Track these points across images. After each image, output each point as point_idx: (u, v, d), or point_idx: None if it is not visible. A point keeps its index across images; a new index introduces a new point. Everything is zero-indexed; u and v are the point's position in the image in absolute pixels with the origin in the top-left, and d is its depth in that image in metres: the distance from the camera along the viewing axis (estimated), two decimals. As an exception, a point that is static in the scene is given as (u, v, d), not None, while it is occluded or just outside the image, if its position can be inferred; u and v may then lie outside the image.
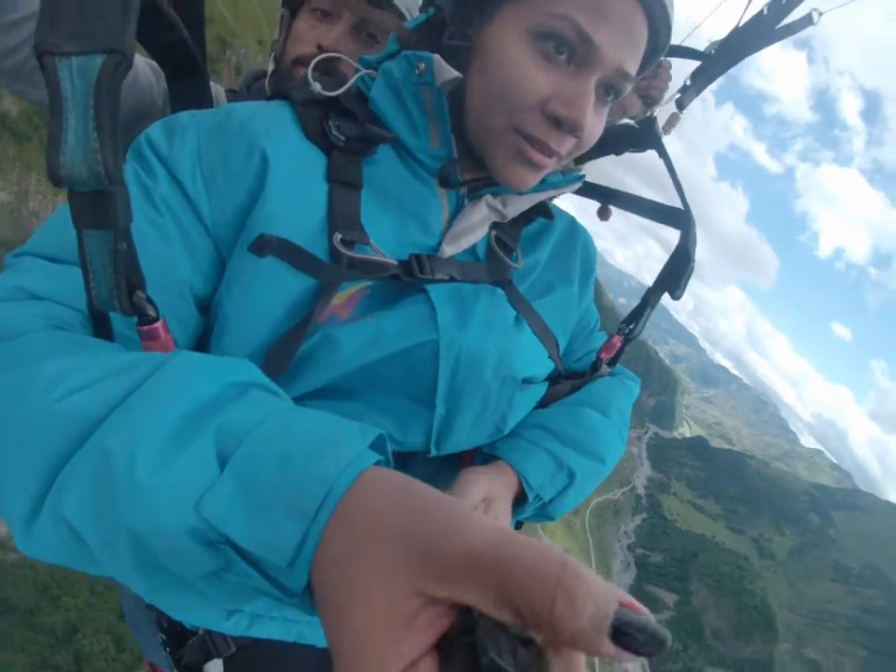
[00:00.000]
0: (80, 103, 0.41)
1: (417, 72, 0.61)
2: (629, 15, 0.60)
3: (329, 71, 0.85)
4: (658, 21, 0.63)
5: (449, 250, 0.68)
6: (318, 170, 0.62)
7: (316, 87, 0.65)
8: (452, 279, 0.67)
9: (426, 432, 0.66)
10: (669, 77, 1.19)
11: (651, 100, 1.22)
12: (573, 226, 0.88)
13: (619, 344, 0.96)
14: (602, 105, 0.65)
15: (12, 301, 0.48)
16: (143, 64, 0.98)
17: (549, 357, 0.78)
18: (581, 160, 0.80)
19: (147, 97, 0.97)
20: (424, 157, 0.66)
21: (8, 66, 0.88)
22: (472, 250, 0.72)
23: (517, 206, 0.74)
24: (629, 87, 0.66)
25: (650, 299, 0.93)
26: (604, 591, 0.27)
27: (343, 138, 0.64)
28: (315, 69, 0.67)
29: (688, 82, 1.08)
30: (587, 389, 0.89)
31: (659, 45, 0.66)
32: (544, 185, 0.73)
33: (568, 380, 0.88)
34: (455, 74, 0.61)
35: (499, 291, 0.72)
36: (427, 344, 0.62)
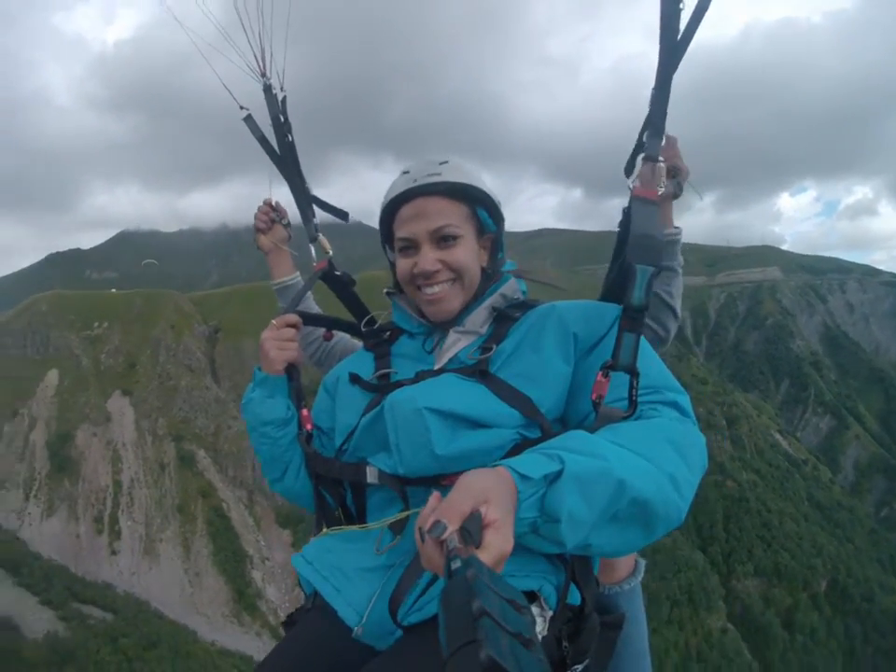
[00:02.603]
0: None
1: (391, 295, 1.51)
2: (419, 211, 1.31)
3: None
4: (445, 188, 1.31)
5: (439, 365, 1.31)
6: (370, 357, 1.47)
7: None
8: (419, 379, 1.29)
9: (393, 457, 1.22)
10: (675, 143, 1.58)
11: (673, 171, 1.56)
12: (546, 313, 1.29)
13: (605, 382, 1.09)
14: (445, 247, 1.31)
15: None
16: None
17: (514, 410, 1.15)
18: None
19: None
20: (416, 332, 1.43)
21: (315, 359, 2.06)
22: (457, 359, 1.30)
23: (472, 324, 1.34)
24: (453, 231, 1.31)
25: (620, 324, 1.15)
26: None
27: (384, 336, 1.49)
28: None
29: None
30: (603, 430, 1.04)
31: (469, 191, 1.33)
32: (476, 304, 1.36)
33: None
34: (394, 291, 1.48)
35: (449, 375, 1.24)
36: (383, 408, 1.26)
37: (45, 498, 74.11)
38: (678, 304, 1.79)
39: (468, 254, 1.32)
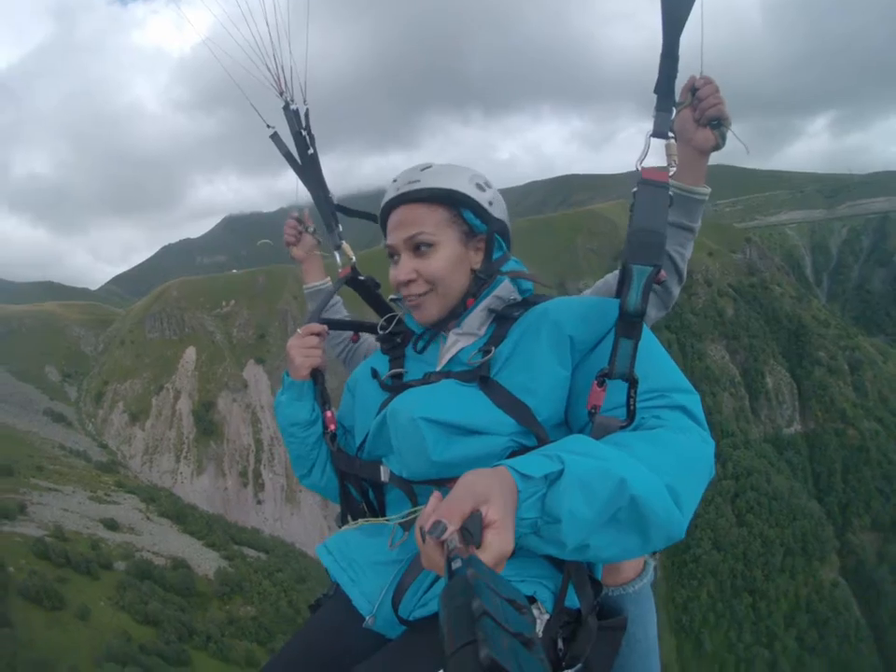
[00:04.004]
0: None
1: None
2: (399, 220, 1.36)
3: None
4: (423, 194, 1.33)
5: (440, 366, 1.34)
6: (385, 359, 1.51)
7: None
8: (426, 380, 1.32)
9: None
10: (716, 89, 1.40)
11: (716, 121, 1.42)
12: (542, 315, 1.25)
13: (600, 392, 1.08)
14: (421, 255, 1.33)
15: None
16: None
17: (509, 418, 1.16)
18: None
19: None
20: (419, 333, 1.44)
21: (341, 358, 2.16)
22: (458, 359, 1.31)
23: (468, 327, 1.34)
24: (426, 238, 1.31)
25: (616, 329, 1.10)
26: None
27: (397, 340, 1.52)
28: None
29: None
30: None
31: (449, 195, 1.33)
32: (472, 307, 1.35)
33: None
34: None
35: (449, 381, 1.27)
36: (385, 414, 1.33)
37: (194, 459, 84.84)
38: (685, 269, 1.67)
39: (446, 261, 1.32)
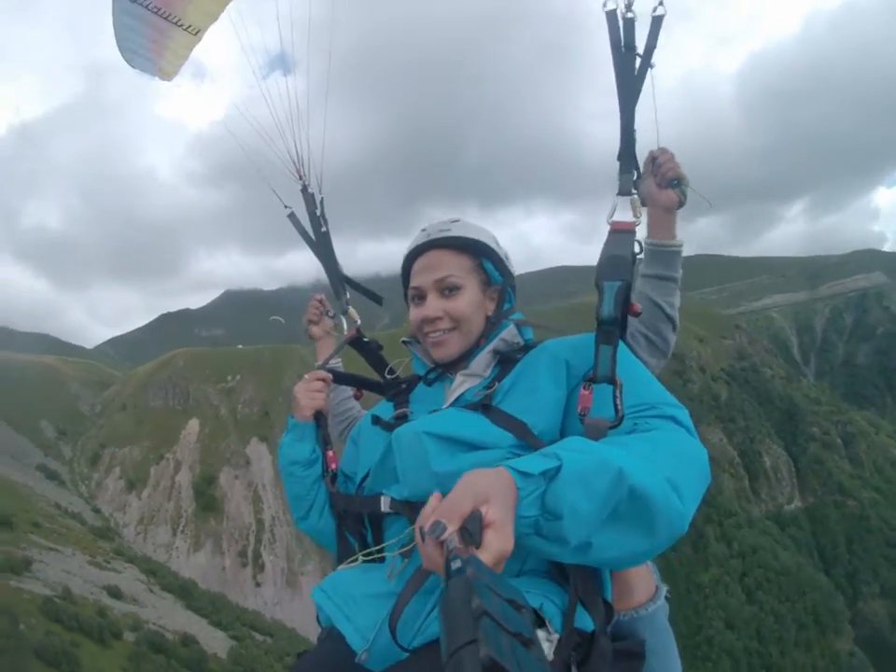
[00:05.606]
0: None
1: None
2: (428, 264, 1.46)
3: None
4: (453, 241, 1.45)
5: (447, 404, 1.39)
6: (390, 405, 1.55)
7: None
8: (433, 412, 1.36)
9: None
10: (672, 156, 1.69)
11: (675, 181, 1.68)
12: (540, 349, 1.38)
13: (588, 395, 1.17)
14: (449, 296, 1.43)
15: None
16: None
17: (507, 432, 1.20)
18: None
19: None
20: (430, 377, 1.51)
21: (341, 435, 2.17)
22: (463, 398, 1.37)
23: (476, 367, 1.42)
24: (455, 281, 1.43)
25: (596, 338, 1.21)
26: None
27: (402, 387, 1.61)
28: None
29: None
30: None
31: (475, 245, 1.46)
32: (480, 349, 1.44)
33: None
34: (410, 340, 1.58)
35: (451, 408, 1.35)
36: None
37: (191, 534, 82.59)
38: (677, 316, 1.78)
39: (469, 304, 1.43)
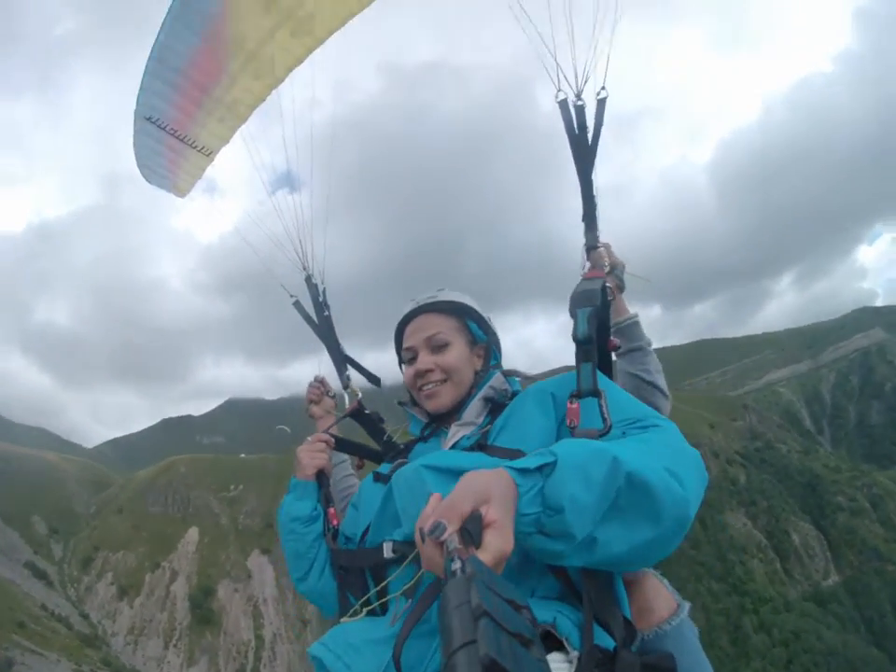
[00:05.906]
0: None
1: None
2: (418, 326, 1.61)
3: None
4: (439, 306, 1.62)
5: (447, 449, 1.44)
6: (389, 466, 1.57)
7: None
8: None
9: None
10: (602, 249, 1.91)
11: (610, 267, 1.89)
12: (525, 393, 1.48)
13: (575, 408, 1.24)
14: (439, 352, 1.55)
15: None
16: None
17: (504, 460, 1.15)
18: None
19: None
20: (426, 433, 1.59)
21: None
22: (459, 445, 1.43)
23: (469, 416, 1.49)
24: (444, 338, 1.55)
25: (576, 357, 1.32)
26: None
27: (401, 448, 1.71)
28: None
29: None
30: None
31: (460, 307, 1.62)
32: (471, 398, 1.53)
33: None
34: (405, 402, 1.70)
35: (449, 450, 1.42)
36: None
37: (185, 648, 77.70)
38: (660, 381, 1.86)
39: (458, 357, 1.56)
